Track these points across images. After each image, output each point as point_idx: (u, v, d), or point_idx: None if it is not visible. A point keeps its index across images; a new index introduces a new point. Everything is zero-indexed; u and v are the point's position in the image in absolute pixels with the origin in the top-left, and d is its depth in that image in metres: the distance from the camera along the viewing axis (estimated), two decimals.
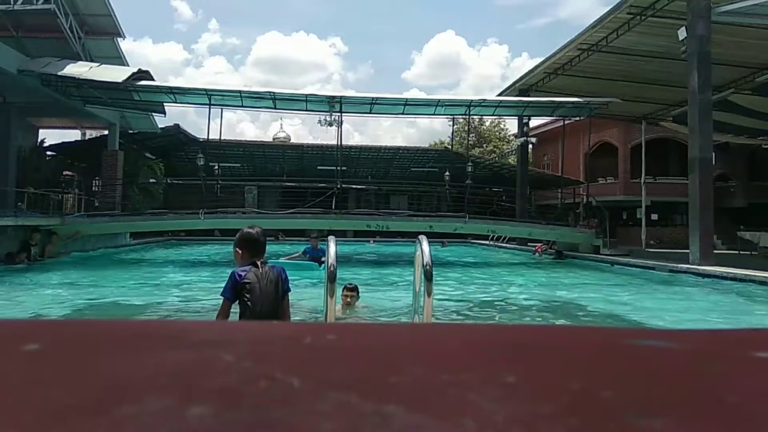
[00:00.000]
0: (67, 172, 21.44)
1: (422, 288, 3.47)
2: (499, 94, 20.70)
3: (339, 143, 19.32)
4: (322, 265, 10.35)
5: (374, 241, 24.61)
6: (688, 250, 12.14)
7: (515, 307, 7.79)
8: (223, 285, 3.13)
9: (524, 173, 22.07)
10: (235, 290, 3.06)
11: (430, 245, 3.62)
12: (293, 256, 10.88)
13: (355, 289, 6.06)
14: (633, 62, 16.69)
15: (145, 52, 79.42)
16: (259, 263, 3.15)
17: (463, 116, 21.64)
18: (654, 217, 25.96)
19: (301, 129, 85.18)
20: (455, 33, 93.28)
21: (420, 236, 3.76)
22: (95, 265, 12.55)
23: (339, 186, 17.28)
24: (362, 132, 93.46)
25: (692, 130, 12.29)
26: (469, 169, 17.39)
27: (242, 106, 18.61)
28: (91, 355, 0.42)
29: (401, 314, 6.25)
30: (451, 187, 18.66)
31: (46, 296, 7.86)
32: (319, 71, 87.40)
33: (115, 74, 15.25)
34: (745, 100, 17.70)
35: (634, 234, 24.26)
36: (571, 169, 24.12)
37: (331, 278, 3.40)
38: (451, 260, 16.21)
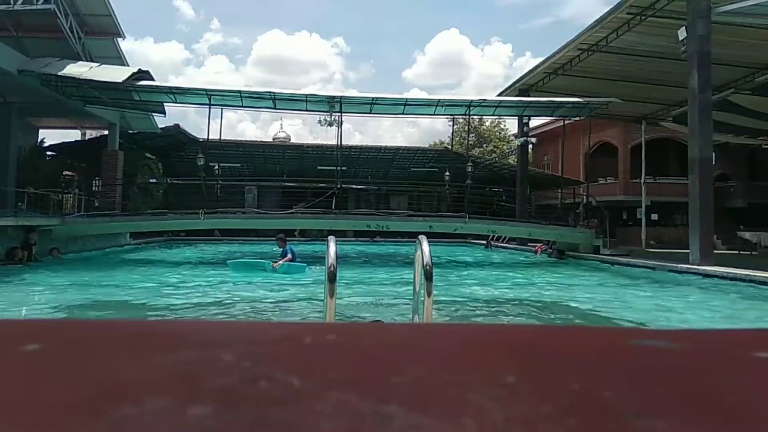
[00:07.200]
0: (67, 172, 21.45)
1: (422, 288, 3.47)
2: (499, 94, 20.70)
3: (339, 143, 19.33)
4: (279, 264, 10.50)
5: (373, 241, 24.64)
6: (688, 250, 12.14)
7: (515, 306, 7.81)
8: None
9: (524, 173, 22.06)
10: None
11: (430, 245, 3.61)
12: (287, 258, 10.96)
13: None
14: (633, 62, 16.69)
15: (146, 52, 79.16)
16: None
17: (463, 116, 21.65)
18: (654, 217, 25.97)
19: (301, 129, 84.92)
20: (459, 32, 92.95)
21: (420, 236, 3.75)
22: (94, 264, 12.55)
23: (339, 186, 17.29)
24: (363, 132, 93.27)
25: (692, 130, 12.28)
26: (469, 169, 17.38)
27: (242, 106, 18.62)
28: (92, 355, 0.42)
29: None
30: (451, 187, 18.66)
31: (45, 296, 7.86)
32: (321, 71, 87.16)
33: (115, 74, 15.25)
34: (745, 100, 17.70)
35: (634, 234, 24.26)
36: (571, 169, 24.10)
37: (331, 278, 3.39)
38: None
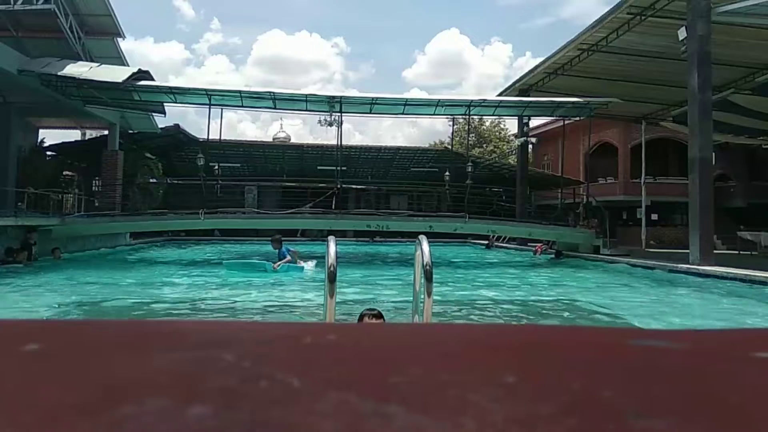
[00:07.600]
0: (67, 172, 21.45)
1: (422, 288, 3.47)
2: (499, 94, 20.70)
3: (339, 143, 19.33)
4: (279, 265, 10.53)
5: (373, 241, 24.66)
6: (688, 250, 12.14)
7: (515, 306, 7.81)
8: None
9: (524, 173, 22.07)
10: None
11: (430, 245, 3.61)
12: (286, 260, 10.93)
13: (380, 315, 4.85)
14: (633, 62, 16.69)
15: (146, 52, 79.37)
16: None
17: (463, 116, 21.64)
18: (654, 217, 25.97)
19: (301, 129, 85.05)
20: (459, 32, 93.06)
21: (420, 236, 3.75)
22: (94, 264, 12.55)
23: (339, 186, 17.28)
24: (363, 132, 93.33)
25: (692, 130, 12.29)
26: (469, 169, 17.37)
27: (242, 106, 18.62)
28: (91, 355, 0.42)
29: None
30: (451, 187, 18.65)
31: (45, 296, 7.86)
32: (321, 70, 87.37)
33: (115, 74, 15.25)
34: (745, 100, 17.70)
35: (634, 234, 24.25)
36: (571, 169, 24.10)
37: (331, 278, 3.39)
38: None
